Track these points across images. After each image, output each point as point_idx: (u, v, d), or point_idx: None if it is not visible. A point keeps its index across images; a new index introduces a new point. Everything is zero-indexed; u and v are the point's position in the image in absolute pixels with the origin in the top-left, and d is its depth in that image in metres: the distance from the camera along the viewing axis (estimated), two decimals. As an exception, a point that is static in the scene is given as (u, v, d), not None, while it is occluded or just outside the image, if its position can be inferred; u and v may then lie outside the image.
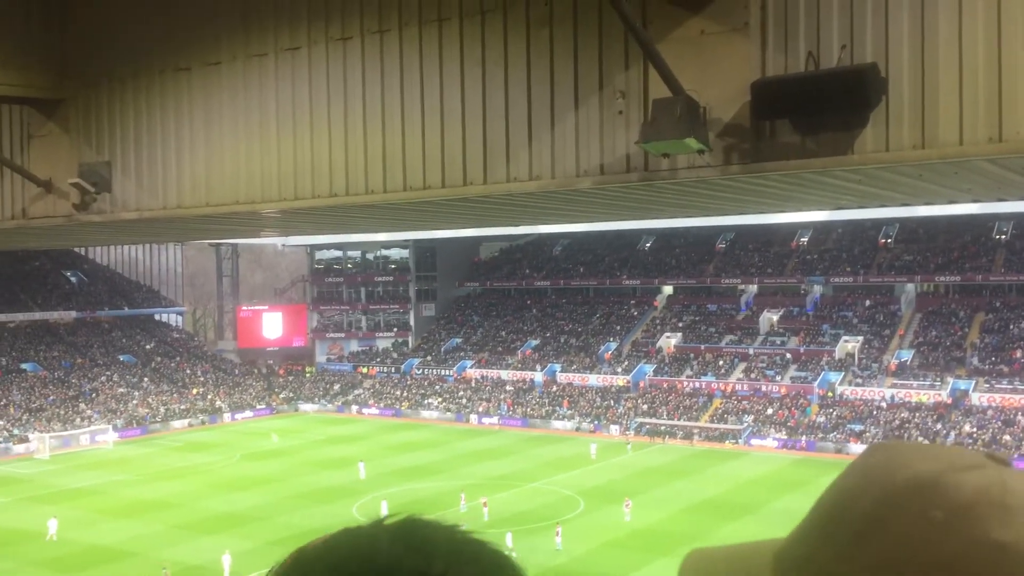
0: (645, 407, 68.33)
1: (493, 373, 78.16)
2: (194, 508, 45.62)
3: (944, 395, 60.94)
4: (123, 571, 35.87)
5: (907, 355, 66.23)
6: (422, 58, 12.68)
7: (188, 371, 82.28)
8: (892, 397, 62.36)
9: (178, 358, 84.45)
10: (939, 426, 58.59)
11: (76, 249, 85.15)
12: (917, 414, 60.34)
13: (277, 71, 13.91)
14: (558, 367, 76.22)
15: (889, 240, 75.43)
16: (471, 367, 79.95)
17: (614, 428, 66.37)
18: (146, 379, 78.29)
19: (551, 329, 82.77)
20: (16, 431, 64.78)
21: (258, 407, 79.07)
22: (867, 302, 73.10)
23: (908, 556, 0.82)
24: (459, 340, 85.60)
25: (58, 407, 69.61)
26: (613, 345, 77.67)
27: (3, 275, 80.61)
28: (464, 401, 75.38)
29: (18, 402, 68.86)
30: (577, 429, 67.48)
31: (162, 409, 73.87)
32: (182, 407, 75.03)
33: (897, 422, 59.91)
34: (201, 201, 15.04)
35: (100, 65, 15.57)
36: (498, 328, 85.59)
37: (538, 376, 75.73)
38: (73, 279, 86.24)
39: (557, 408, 70.98)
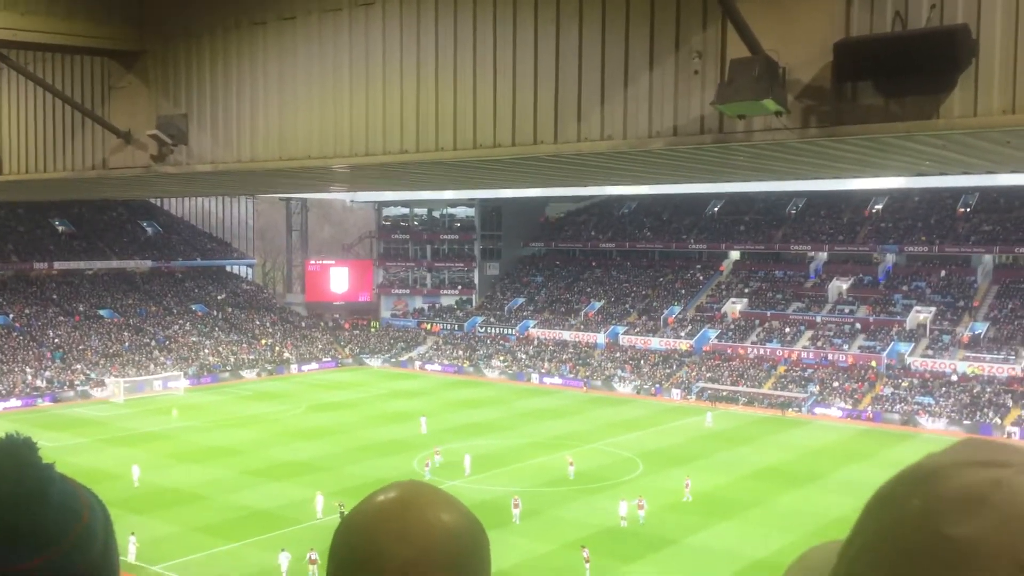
0: (708, 373, 67.87)
1: (555, 334, 78.28)
2: (262, 456, 46.86)
3: (1019, 369, 59.26)
4: (194, 513, 37.11)
5: (981, 327, 64.45)
6: (496, 15, 12.57)
7: (257, 322, 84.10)
8: (964, 370, 60.85)
9: (248, 309, 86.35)
10: (1010, 402, 57.07)
11: (152, 200, 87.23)
12: (989, 388, 58.83)
13: (351, 26, 13.93)
14: (621, 329, 75.99)
15: (968, 209, 73.09)
16: (533, 327, 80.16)
17: (675, 392, 66.11)
18: (217, 329, 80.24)
19: (615, 291, 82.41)
20: (93, 375, 67.13)
21: (324, 359, 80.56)
22: (942, 272, 71.17)
23: (883, 542, 0.83)
24: (522, 300, 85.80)
25: (133, 353, 71.85)
26: (677, 309, 77.09)
27: (83, 224, 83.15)
28: (525, 361, 75.73)
29: (95, 347, 71.26)
30: (638, 392, 67.40)
31: (232, 359, 75.75)
32: (251, 357, 76.82)
33: (968, 396, 58.50)
34: (274, 155, 15.22)
35: (178, 19, 15.79)
36: (562, 289, 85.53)
37: (600, 338, 75.63)
38: (149, 229, 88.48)
39: (619, 371, 70.88)
